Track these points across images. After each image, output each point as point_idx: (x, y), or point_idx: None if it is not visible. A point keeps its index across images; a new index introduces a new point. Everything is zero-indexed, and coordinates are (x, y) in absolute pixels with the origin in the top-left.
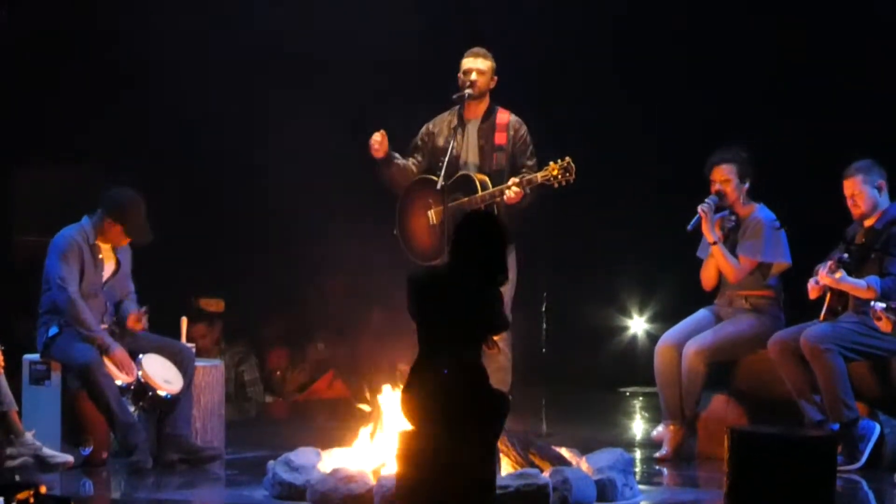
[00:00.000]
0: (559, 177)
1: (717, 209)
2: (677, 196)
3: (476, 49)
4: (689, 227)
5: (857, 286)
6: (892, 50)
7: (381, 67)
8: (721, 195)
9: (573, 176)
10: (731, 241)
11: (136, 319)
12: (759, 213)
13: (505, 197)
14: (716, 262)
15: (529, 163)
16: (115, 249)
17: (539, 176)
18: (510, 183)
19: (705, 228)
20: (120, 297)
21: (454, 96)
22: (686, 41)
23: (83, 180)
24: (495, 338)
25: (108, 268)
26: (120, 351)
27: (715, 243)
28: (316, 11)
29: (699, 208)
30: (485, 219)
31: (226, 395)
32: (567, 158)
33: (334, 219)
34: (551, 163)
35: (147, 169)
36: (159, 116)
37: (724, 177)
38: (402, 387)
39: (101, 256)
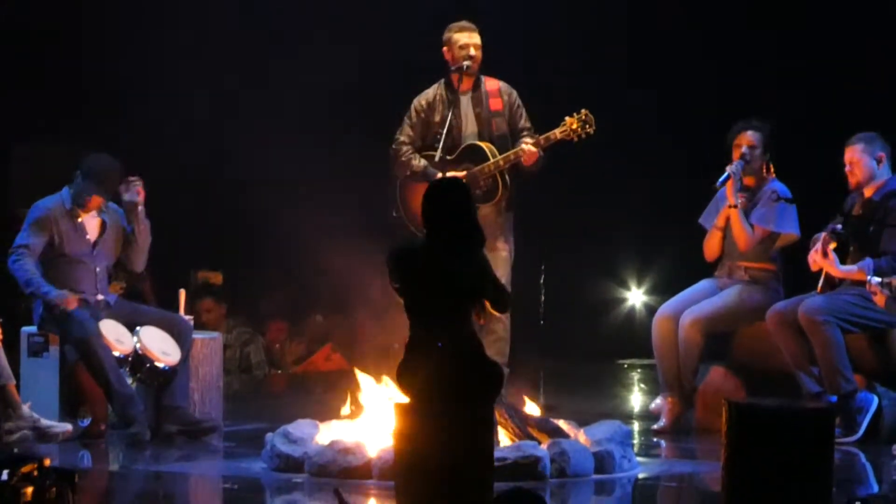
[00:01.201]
0: (578, 130)
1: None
2: (676, 167)
3: (466, 24)
4: (717, 184)
5: (850, 273)
6: None
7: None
8: (746, 160)
9: (593, 128)
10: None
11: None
12: (773, 184)
13: (522, 158)
14: (719, 233)
15: (527, 125)
16: (99, 212)
17: (558, 132)
18: (527, 142)
19: (730, 191)
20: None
21: (452, 69)
22: (684, 14)
23: (81, 155)
24: (493, 311)
25: (92, 230)
26: (57, 297)
27: (735, 206)
28: None
29: (729, 168)
30: (447, 184)
31: (227, 370)
32: (584, 111)
33: (333, 192)
34: (567, 118)
35: (145, 144)
36: (157, 92)
37: (752, 142)
38: (398, 362)
39: (80, 220)
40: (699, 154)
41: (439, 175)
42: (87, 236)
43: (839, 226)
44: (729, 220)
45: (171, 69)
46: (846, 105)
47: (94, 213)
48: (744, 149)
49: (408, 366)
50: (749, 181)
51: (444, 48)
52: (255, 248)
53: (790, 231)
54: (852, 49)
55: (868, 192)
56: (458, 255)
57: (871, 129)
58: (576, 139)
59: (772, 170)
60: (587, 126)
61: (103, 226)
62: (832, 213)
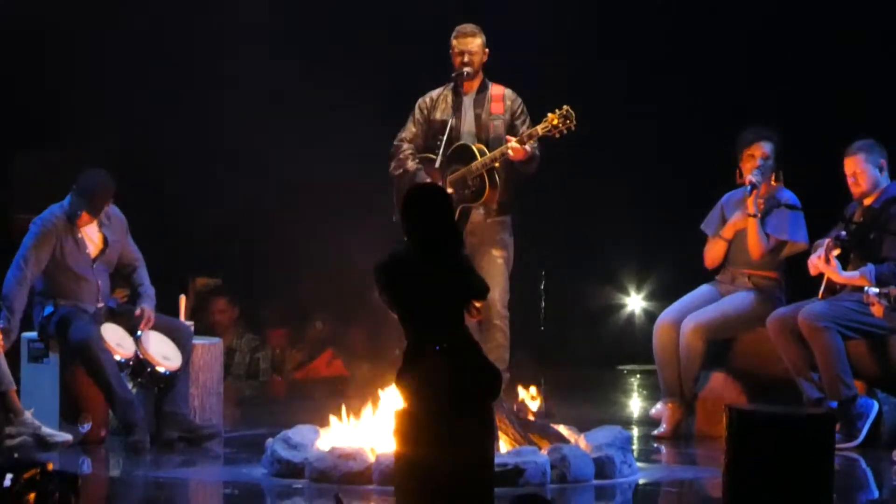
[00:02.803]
0: (559, 125)
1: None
2: (676, 173)
3: (465, 28)
4: (747, 192)
5: (852, 278)
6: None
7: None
8: (763, 171)
9: (574, 123)
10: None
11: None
12: (783, 193)
13: (509, 155)
14: (724, 243)
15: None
16: (100, 225)
17: (539, 128)
18: (509, 142)
19: (751, 200)
20: (129, 268)
21: (452, 74)
22: (686, 19)
23: (82, 162)
24: (477, 304)
25: (93, 244)
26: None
27: (755, 216)
28: None
29: (751, 178)
30: (422, 189)
31: (236, 375)
32: (565, 107)
33: (334, 199)
34: (549, 114)
35: (145, 151)
36: (160, 101)
37: (766, 153)
38: (397, 368)
39: (80, 236)
40: (700, 160)
41: (428, 180)
42: (88, 251)
43: (843, 233)
44: (738, 230)
45: (173, 79)
46: (843, 110)
47: (95, 226)
48: (759, 160)
49: (406, 371)
50: (764, 189)
51: (451, 51)
52: (254, 254)
53: (801, 240)
54: (848, 51)
55: (868, 200)
56: (443, 259)
57: (866, 133)
58: (557, 135)
59: (781, 178)
60: (568, 121)
61: (105, 242)
62: (831, 220)
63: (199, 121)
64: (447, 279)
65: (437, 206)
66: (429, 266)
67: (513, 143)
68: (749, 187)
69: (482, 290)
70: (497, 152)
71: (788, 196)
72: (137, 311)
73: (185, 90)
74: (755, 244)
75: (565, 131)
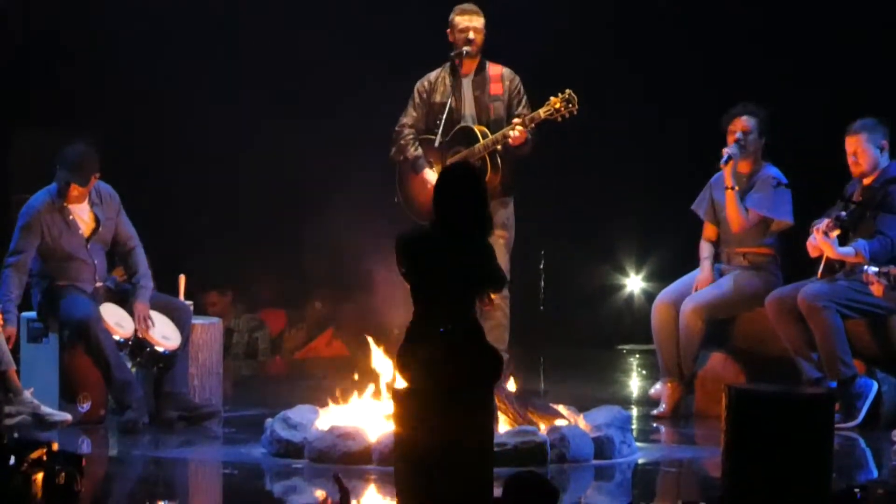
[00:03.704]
0: (562, 109)
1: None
2: (675, 152)
3: (468, 6)
4: (722, 162)
5: (846, 255)
6: None
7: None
8: (742, 145)
9: (576, 107)
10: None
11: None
12: (769, 170)
13: (510, 139)
14: (713, 225)
15: (525, 112)
16: (91, 204)
17: (542, 112)
18: (512, 124)
19: (727, 173)
20: (124, 248)
21: (452, 53)
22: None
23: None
24: (493, 295)
25: (85, 225)
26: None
27: (732, 188)
28: None
29: (727, 151)
30: (462, 171)
31: (234, 355)
32: (567, 90)
33: (335, 177)
34: (552, 97)
35: (142, 128)
36: (155, 87)
37: (746, 127)
38: (398, 347)
39: (71, 217)
40: (699, 138)
41: (427, 170)
42: (81, 231)
43: (843, 213)
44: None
45: (166, 68)
46: (843, 90)
47: (86, 205)
48: (738, 134)
49: (408, 350)
50: (744, 166)
51: (448, 30)
52: (251, 233)
53: (784, 218)
54: (850, 31)
55: (868, 179)
56: (466, 244)
57: (867, 113)
58: (559, 119)
59: (765, 155)
60: (570, 105)
61: (97, 221)
62: (828, 200)
63: (192, 103)
64: (466, 264)
65: (469, 189)
66: (450, 247)
67: (517, 126)
68: (724, 158)
69: (500, 282)
70: (499, 135)
71: (773, 173)
72: (134, 308)
73: (182, 72)
74: (734, 217)
75: (567, 115)
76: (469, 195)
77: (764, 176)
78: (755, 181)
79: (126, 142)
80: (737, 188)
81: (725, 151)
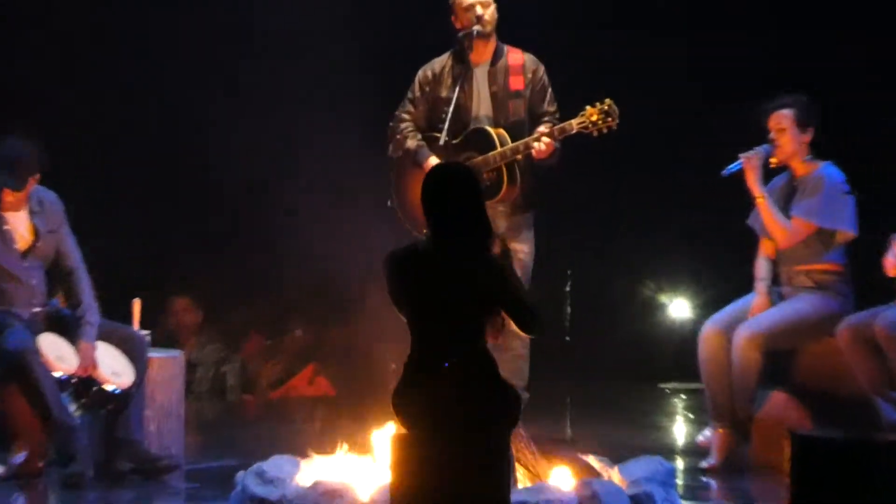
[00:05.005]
0: (599, 122)
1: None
2: (724, 156)
3: None
4: (724, 172)
5: None
6: None
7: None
8: (776, 146)
9: (616, 121)
10: (784, 201)
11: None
12: (824, 170)
13: (534, 151)
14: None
15: (551, 109)
16: (31, 213)
17: (574, 123)
18: (538, 133)
19: (750, 180)
20: (64, 269)
21: (459, 35)
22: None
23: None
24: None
25: (21, 239)
26: None
27: (761, 197)
28: None
29: (741, 156)
30: (449, 169)
31: (197, 394)
32: (608, 101)
33: (318, 188)
34: (588, 107)
35: (114, 138)
36: (132, 97)
37: (780, 125)
38: (394, 386)
39: (6, 227)
40: (756, 139)
41: (432, 159)
42: (16, 245)
43: None
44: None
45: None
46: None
47: (23, 214)
48: (771, 134)
49: (407, 389)
50: (797, 168)
51: (452, 16)
52: (226, 253)
53: (841, 227)
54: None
55: None
56: (466, 254)
57: None
58: (595, 133)
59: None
60: (609, 118)
61: (36, 233)
62: None
63: (171, 109)
64: (473, 282)
65: (463, 190)
66: (452, 262)
67: (544, 138)
68: (734, 165)
69: (530, 324)
70: (521, 144)
71: (828, 173)
72: (78, 348)
73: (158, 76)
74: (773, 229)
75: (605, 130)
76: (462, 196)
77: (815, 177)
78: (806, 184)
79: (85, 141)
80: (764, 195)
81: (741, 157)
